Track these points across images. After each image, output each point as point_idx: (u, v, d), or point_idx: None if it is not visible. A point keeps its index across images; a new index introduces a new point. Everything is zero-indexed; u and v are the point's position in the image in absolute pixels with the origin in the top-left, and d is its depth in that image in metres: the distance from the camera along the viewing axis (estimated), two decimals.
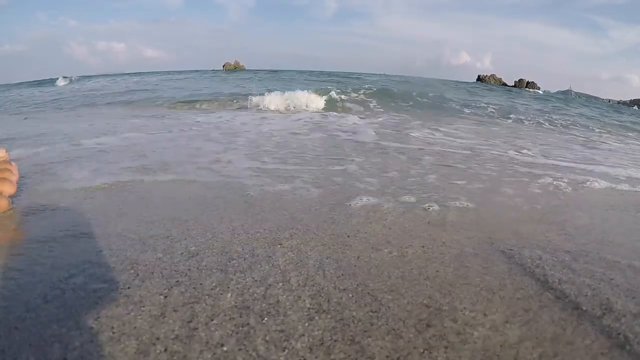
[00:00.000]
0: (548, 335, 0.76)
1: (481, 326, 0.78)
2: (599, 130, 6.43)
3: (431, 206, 1.54)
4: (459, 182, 1.99)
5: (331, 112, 5.59)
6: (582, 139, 4.95)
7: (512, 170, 2.41)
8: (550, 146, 3.80)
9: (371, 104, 6.82)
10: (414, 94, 8.21)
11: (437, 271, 1.00)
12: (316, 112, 5.70)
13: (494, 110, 7.46)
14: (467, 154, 2.87)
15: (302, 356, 0.66)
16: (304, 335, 0.72)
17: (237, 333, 0.71)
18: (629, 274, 1.04)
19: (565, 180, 2.19)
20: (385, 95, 7.88)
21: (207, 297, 0.83)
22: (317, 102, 6.32)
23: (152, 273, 0.92)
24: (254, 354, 0.66)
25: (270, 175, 1.93)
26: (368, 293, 0.88)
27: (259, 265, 0.98)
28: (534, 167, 2.56)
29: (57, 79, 15.02)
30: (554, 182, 2.13)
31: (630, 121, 8.70)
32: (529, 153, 3.15)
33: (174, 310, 0.77)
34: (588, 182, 2.18)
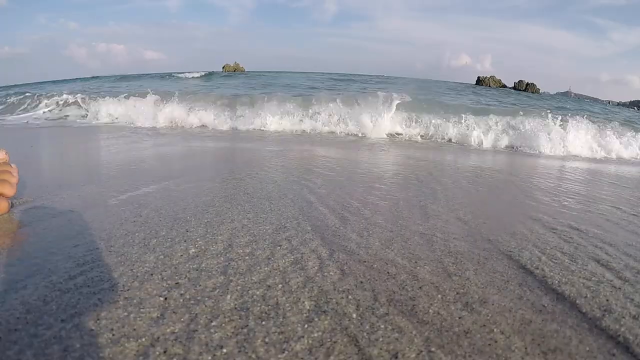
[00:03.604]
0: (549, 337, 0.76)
1: (481, 328, 0.78)
2: None
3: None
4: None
5: None
6: None
7: None
8: None
9: None
10: None
11: (436, 271, 1.00)
12: None
13: None
14: None
15: (302, 358, 0.66)
16: (303, 337, 0.72)
17: (236, 335, 0.71)
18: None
19: None
20: None
21: (206, 298, 0.83)
22: None
23: (152, 275, 0.92)
24: (253, 355, 0.66)
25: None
26: (368, 294, 0.88)
27: (258, 267, 0.98)
28: None
29: None
30: None
31: None
32: None
33: (174, 312, 0.77)
34: None
